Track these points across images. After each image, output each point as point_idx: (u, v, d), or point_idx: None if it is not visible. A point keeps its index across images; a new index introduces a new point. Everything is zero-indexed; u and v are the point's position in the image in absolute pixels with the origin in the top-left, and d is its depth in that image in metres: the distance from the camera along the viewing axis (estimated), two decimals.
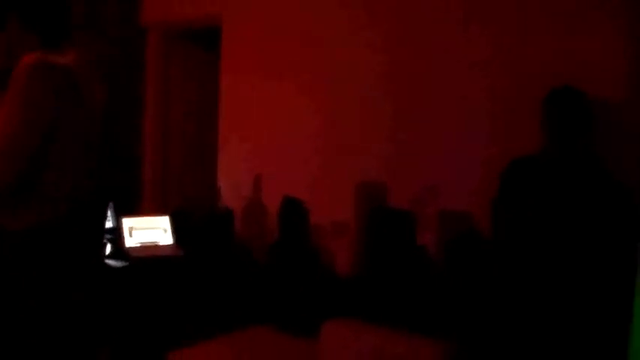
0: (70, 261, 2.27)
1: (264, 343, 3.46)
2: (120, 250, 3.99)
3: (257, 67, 4.60)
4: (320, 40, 4.25)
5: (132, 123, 5.23)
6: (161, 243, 4.18)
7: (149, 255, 4.03)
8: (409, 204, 3.77)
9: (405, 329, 2.98)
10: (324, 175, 4.21)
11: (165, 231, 4.24)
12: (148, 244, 4.12)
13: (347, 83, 4.10)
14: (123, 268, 3.87)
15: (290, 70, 4.41)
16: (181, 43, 5.33)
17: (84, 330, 2.38)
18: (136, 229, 4.11)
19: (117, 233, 4.06)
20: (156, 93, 5.23)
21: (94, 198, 2.36)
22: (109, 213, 4.18)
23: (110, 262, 3.89)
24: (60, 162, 2.20)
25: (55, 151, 2.17)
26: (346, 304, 3.67)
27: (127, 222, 4.10)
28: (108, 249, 4.01)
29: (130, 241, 4.05)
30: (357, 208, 4.03)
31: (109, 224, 4.15)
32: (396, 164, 3.87)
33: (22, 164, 2.11)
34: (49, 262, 2.20)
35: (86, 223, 2.35)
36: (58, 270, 2.22)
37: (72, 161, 2.24)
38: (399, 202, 3.83)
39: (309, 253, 4.09)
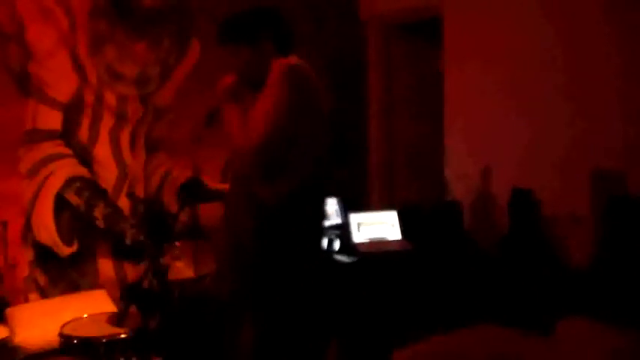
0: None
1: (494, 341, 3.33)
2: (348, 245, 4.08)
3: (481, 56, 4.49)
4: (546, 24, 4.07)
5: (356, 119, 5.31)
6: (389, 238, 4.22)
7: (377, 250, 4.09)
8: None
9: None
10: (555, 164, 4.03)
11: (393, 226, 4.26)
12: (376, 239, 4.18)
13: (581, 66, 3.90)
14: (352, 263, 3.95)
15: (516, 57, 4.25)
16: (401, 35, 5.32)
17: (315, 322, 2.48)
18: (364, 224, 4.18)
19: (345, 229, 4.15)
20: (379, 87, 5.27)
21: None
22: (337, 209, 4.29)
23: (339, 257, 3.99)
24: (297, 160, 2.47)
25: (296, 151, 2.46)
26: (582, 300, 3.43)
27: (355, 218, 4.18)
28: (337, 245, 4.11)
29: (359, 237, 4.13)
30: (593, 197, 3.77)
31: (337, 220, 4.26)
32: (637, 150, 3.60)
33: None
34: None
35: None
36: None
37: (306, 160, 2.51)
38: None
39: (542, 245, 3.89)
